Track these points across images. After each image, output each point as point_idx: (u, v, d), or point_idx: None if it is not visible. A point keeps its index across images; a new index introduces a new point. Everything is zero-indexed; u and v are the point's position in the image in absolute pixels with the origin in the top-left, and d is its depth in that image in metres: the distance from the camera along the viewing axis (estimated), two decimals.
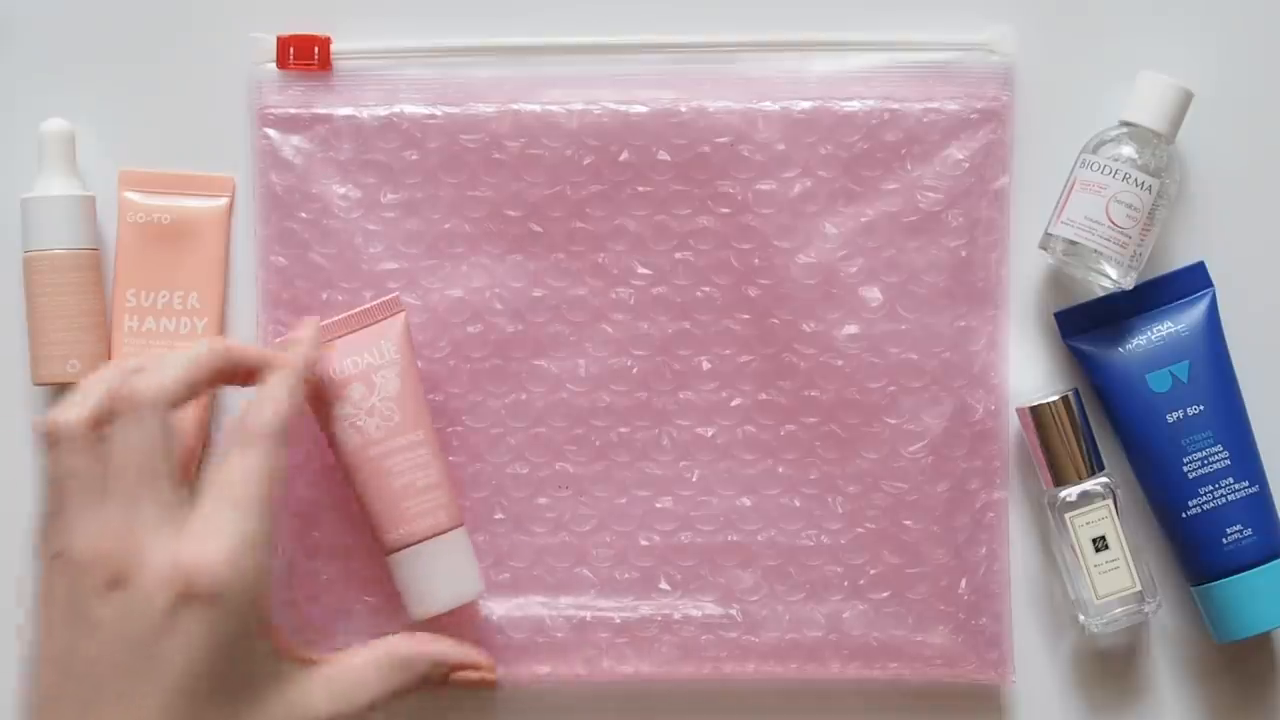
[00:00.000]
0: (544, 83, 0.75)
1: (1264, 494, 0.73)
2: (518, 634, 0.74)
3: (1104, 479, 0.73)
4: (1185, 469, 0.73)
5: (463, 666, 0.71)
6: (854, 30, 0.75)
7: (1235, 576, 0.72)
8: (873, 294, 0.74)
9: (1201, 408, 0.73)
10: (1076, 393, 0.73)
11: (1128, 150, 0.72)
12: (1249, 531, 0.73)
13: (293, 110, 0.74)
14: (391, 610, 0.74)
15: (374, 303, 0.72)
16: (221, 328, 0.75)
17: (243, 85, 0.75)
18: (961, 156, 0.74)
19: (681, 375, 0.74)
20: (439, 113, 0.74)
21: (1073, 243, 0.72)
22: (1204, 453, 0.73)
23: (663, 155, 0.74)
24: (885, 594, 0.74)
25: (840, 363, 0.74)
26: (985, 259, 0.74)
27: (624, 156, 0.74)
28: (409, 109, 0.73)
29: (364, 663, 0.67)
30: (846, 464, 0.74)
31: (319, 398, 0.71)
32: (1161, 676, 0.76)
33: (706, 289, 0.74)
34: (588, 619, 0.74)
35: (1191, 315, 0.75)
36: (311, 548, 0.74)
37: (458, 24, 0.76)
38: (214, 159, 0.76)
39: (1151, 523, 0.75)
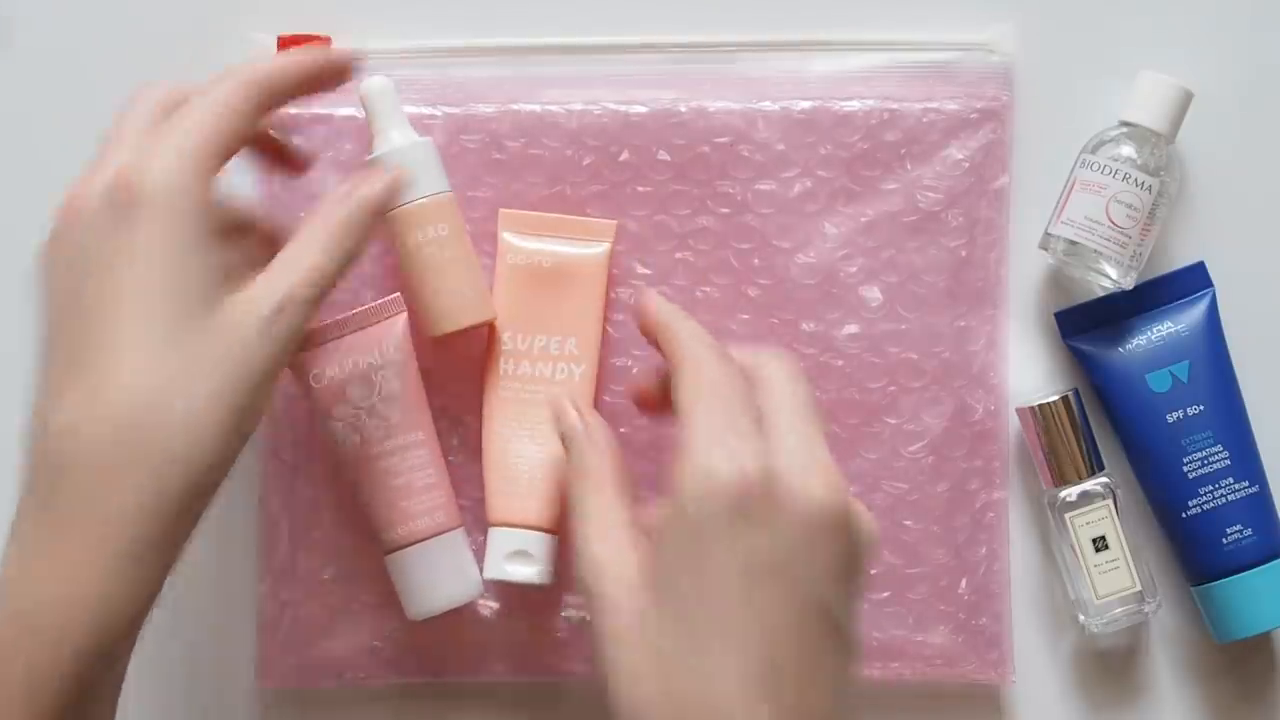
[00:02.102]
0: (544, 83, 0.75)
1: (1264, 494, 0.73)
2: (517, 633, 0.74)
3: (1104, 479, 0.73)
4: (1185, 469, 0.73)
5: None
6: (854, 30, 0.75)
7: (1235, 576, 0.72)
8: (873, 294, 0.74)
9: (1201, 408, 0.73)
10: (1077, 393, 0.73)
11: (1127, 150, 0.72)
12: (1249, 531, 0.73)
13: (293, 110, 0.74)
14: (391, 610, 0.74)
15: (375, 303, 0.72)
16: (600, 374, 0.73)
17: None
18: (961, 156, 0.74)
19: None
20: (439, 113, 0.74)
21: (1073, 243, 0.72)
22: (1204, 453, 0.73)
23: (663, 155, 0.74)
24: (885, 594, 0.74)
25: (840, 363, 0.74)
26: (985, 259, 0.74)
27: (624, 156, 0.74)
28: (409, 109, 0.73)
29: (295, 240, 0.64)
30: (846, 464, 0.74)
31: (318, 398, 0.71)
32: (1161, 676, 0.76)
33: (706, 289, 0.74)
34: (588, 618, 0.74)
35: (1191, 315, 0.75)
36: (311, 548, 0.74)
37: (458, 24, 0.76)
38: None
39: (1151, 523, 0.75)
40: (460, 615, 0.73)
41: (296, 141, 0.74)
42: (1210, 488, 0.73)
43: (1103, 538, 0.72)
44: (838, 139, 0.74)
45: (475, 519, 0.74)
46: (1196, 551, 0.73)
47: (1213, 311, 0.75)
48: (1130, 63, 0.75)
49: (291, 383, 0.73)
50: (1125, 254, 0.72)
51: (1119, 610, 0.73)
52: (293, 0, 0.75)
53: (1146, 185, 0.72)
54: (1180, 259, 0.76)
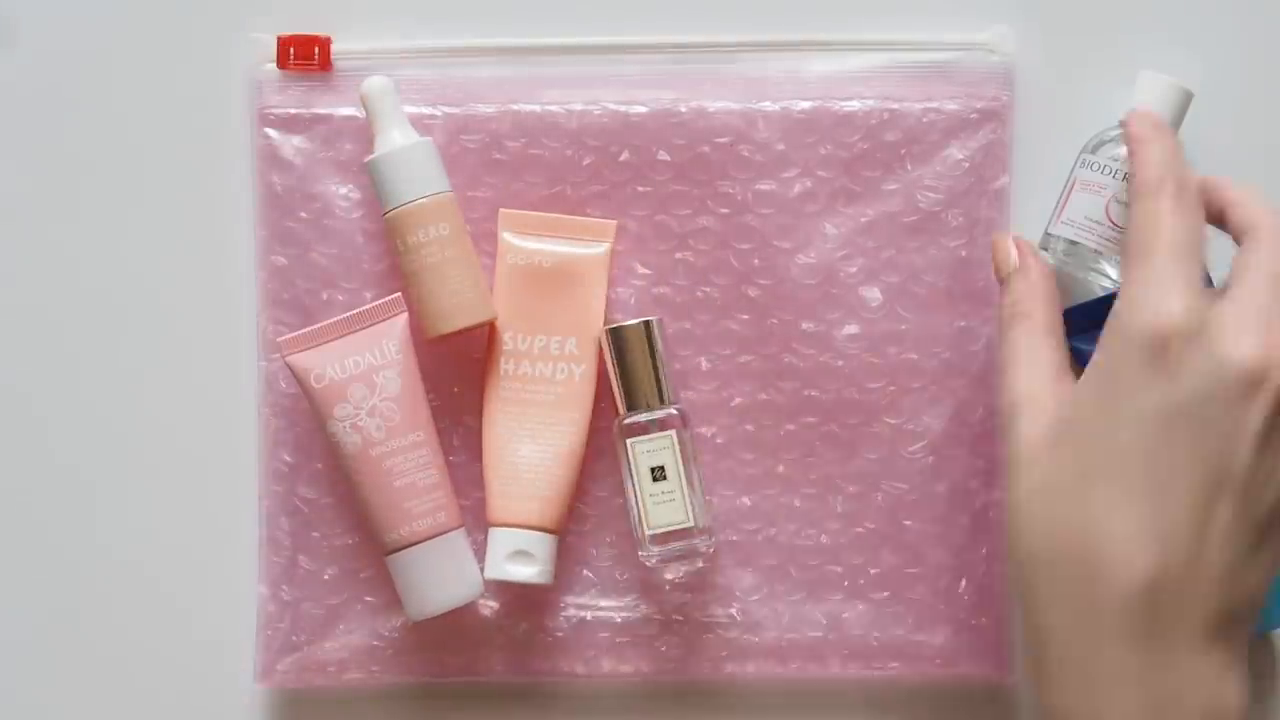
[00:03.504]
0: (544, 83, 0.75)
1: None
2: (518, 633, 0.74)
3: (673, 410, 0.72)
4: None
5: None
6: (854, 30, 0.75)
7: None
8: (873, 294, 0.74)
9: None
10: (659, 322, 0.72)
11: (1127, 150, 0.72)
12: None
13: (293, 110, 0.74)
14: (391, 610, 0.74)
15: (375, 303, 0.72)
16: (599, 374, 0.73)
17: (243, 85, 0.75)
18: (961, 156, 0.74)
19: (681, 375, 0.74)
20: (439, 113, 0.74)
21: (1073, 243, 0.72)
22: None
23: (663, 155, 0.74)
24: (885, 594, 0.74)
25: (840, 363, 0.74)
26: (985, 259, 0.74)
27: (624, 156, 0.74)
28: (409, 109, 0.73)
29: None
30: (846, 464, 0.74)
31: (318, 399, 0.71)
32: None
33: (706, 289, 0.74)
34: (588, 619, 0.74)
35: None
36: (311, 548, 0.74)
37: (458, 24, 0.76)
38: (214, 159, 0.76)
39: None
40: (460, 615, 0.73)
41: (296, 142, 0.74)
42: None
43: (661, 468, 0.71)
44: (838, 139, 0.74)
45: (476, 519, 0.74)
46: None
47: None
48: (1130, 62, 0.75)
49: (292, 383, 0.73)
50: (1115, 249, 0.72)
51: (674, 545, 0.71)
52: (293, 0, 0.75)
53: None
54: None
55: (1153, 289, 0.60)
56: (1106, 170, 0.72)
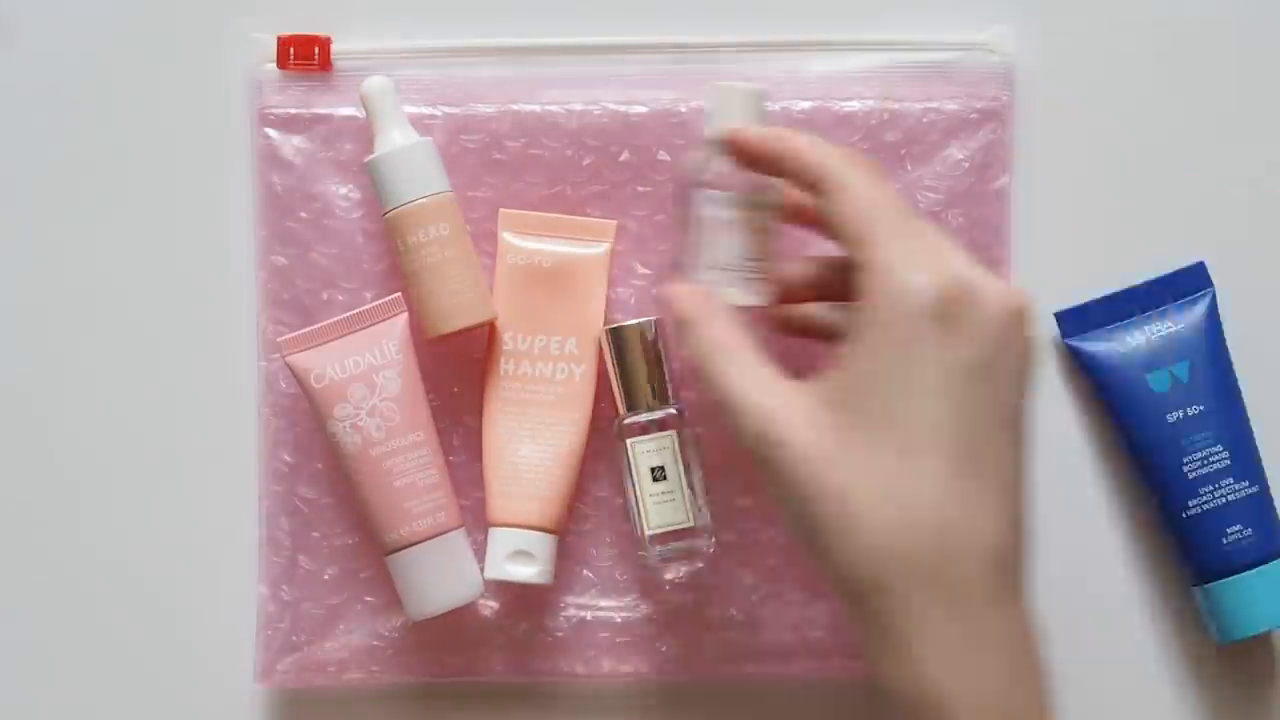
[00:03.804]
0: (544, 83, 0.75)
1: (1264, 494, 0.73)
2: (518, 633, 0.74)
3: (672, 410, 0.72)
4: (1185, 469, 0.73)
5: None
6: (854, 30, 0.75)
7: (1235, 576, 0.72)
8: None
9: (1201, 408, 0.73)
10: (659, 322, 0.72)
11: (725, 167, 0.68)
12: (1249, 531, 0.73)
13: (293, 110, 0.74)
14: (392, 610, 0.74)
15: (375, 303, 0.72)
16: (599, 375, 0.73)
17: (243, 85, 0.75)
18: (961, 156, 0.74)
19: (681, 375, 0.74)
20: (439, 113, 0.74)
21: (723, 269, 0.68)
22: (1204, 453, 0.73)
23: (663, 155, 0.74)
24: None
25: None
26: (985, 259, 0.74)
27: (624, 156, 0.74)
28: (409, 109, 0.73)
29: None
30: None
31: (318, 400, 0.71)
32: (1161, 676, 0.76)
33: None
34: (588, 619, 0.74)
35: (1191, 315, 0.75)
36: (311, 548, 0.74)
37: (458, 24, 0.76)
38: (214, 159, 0.76)
39: (1151, 523, 0.75)
40: (460, 615, 0.73)
41: (296, 142, 0.74)
42: (1210, 488, 0.73)
43: (661, 468, 0.71)
44: (837, 139, 0.74)
45: (476, 519, 0.74)
46: (1196, 551, 0.73)
47: (1213, 311, 0.75)
48: (1130, 63, 0.75)
49: (292, 383, 0.73)
50: (764, 268, 0.69)
51: (673, 545, 0.71)
52: (293, 0, 0.75)
53: (757, 199, 0.68)
54: (1180, 259, 0.76)
55: (917, 259, 0.60)
56: (733, 204, 0.68)
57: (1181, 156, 0.76)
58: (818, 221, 0.66)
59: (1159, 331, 0.74)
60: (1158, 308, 0.75)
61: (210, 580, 0.76)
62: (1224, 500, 0.73)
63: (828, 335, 0.69)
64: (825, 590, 0.74)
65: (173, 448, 0.76)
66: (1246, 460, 0.73)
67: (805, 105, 0.74)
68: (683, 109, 0.74)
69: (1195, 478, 0.73)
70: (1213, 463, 0.73)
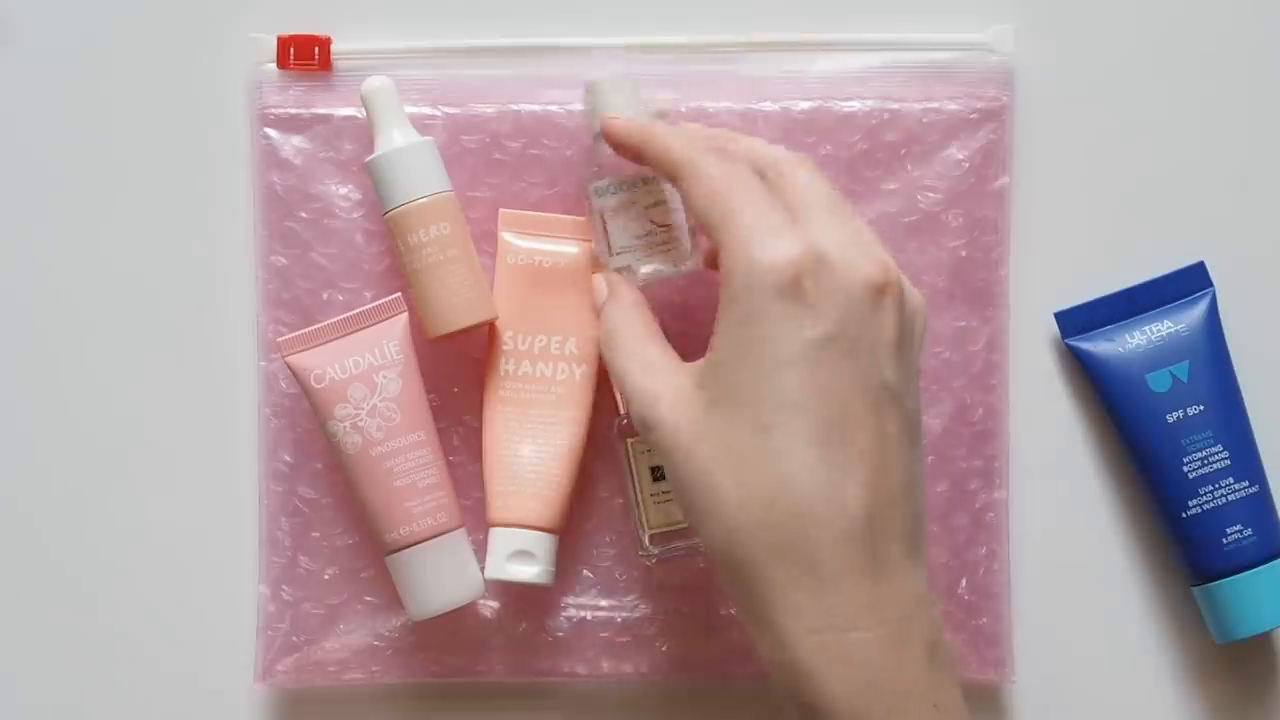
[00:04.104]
0: (544, 83, 0.74)
1: (1264, 494, 0.73)
2: (518, 633, 0.74)
3: None
4: (1185, 469, 0.73)
5: None
6: (854, 30, 0.75)
7: (1235, 576, 0.73)
8: None
9: (1201, 408, 0.73)
10: (658, 321, 0.71)
11: (607, 156, 0.69)
12: (1249, 531, 0.73)
13: (293, 110, 0.74)
14: (392, 610, 0.74)
15: (375, 303, 0.72)
16: (599, 374, 0.73)
17: (243, 85, 0.75)
18: (961, 156, 0.74)
19: None
20: (439, 113, 0.74)
21: (645, 270, 0.69)
22: (1204, 453, 0.73)
23: None
24: None
25: None
26: (985, 259, 0.74)
27: None
28: (409, 109, 0.73)
29: None
30: None
31: (318, 399, 0.71)
32: (1161, 676, 0.76)
33: (706, 288, 0.74)
34: (588, 619, 0.74)
35: (1191, 315, 0.75)
36: (311, 548, 0.74)
37: (458, 24, 0.76)
38: (214, 159, 0.76)
39: (1151, 522, 0.76)
40: (460, 615, 0.73)
41: (296, 142, 0.74)
42: (1210, 488, 0.73)
43: (661, 467, 0.71)
44: (838, 139, 0.74)
45: (476, 519, 0.74)
46: (1196, 551, 0.73)
47: (1213, 311, 0.75)
48: (1131, 62, 0.75)
49: (292, 383, 0.73)
50: (684, 241, 0.70)
51: (674, 545, 0.71)
52: (293, 0, 0.75)
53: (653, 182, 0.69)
54: (1180, 259, 0.76)
55: (764, 235, 0.60)
56: (620, 187, 0.69)
57: (1181, 157, 0.76)
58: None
59: (1159, 331, 0.74)
60: (1158, 308, 0.75)
61: (210, 580, 0.76)
62: (1224, 500, 0.73)
63: None
64: None
65: (173, 448, 0.76)
66: (1246, 460, 0.73)
67: (805, 105, 0.74)
68: (683, 109, 0.74)
69: (1195, 478, 0.73)
70: (1213, 463, 0.73)
